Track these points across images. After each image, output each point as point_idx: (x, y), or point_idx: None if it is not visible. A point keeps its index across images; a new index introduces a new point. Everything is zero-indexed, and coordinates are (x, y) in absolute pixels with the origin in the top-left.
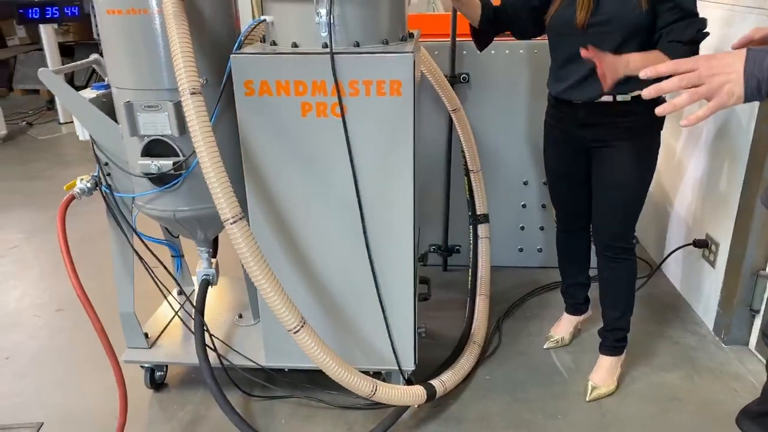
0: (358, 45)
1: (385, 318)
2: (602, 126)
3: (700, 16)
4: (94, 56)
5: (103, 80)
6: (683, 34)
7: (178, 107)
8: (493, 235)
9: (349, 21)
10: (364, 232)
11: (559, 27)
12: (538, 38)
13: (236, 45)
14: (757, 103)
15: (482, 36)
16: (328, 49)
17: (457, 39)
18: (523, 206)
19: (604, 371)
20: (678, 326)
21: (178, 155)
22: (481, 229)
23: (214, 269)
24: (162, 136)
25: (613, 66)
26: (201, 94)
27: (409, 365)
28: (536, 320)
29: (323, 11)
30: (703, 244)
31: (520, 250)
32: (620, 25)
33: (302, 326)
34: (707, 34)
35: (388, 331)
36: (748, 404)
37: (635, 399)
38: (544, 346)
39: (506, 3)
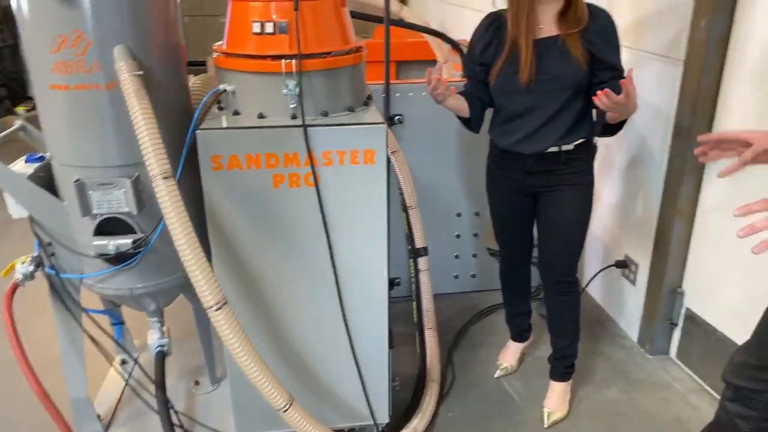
0: (326, 114)
1: (361, 376)
2: (548, 173)
3: None
4: (19, 123)
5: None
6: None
7: (135, 184)
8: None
9: (317, 91)
10: (339, 297)
11: (505, 87)
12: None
13: (193, 121)
14: (668, 136)
15: (472, 124)
16: (298, 121)
17: (391, 83)
18: (457, 236)
19: (557, 396)
20: (607, 341)
21: (134, 231)
22: (421, 262)
23: (167, 338)
24: (118, 213)
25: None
26: (173, 178)
27: (383, 418)
28: (483, 347)
29: (292, 83)
30: (624, 265)
31: (456, 276)
32: (567, 83)
33: (291, 404)
34: None
35: (364, 389)
36: None
37: (586, 419)
38: (495, 375)
39: (468, 89)
